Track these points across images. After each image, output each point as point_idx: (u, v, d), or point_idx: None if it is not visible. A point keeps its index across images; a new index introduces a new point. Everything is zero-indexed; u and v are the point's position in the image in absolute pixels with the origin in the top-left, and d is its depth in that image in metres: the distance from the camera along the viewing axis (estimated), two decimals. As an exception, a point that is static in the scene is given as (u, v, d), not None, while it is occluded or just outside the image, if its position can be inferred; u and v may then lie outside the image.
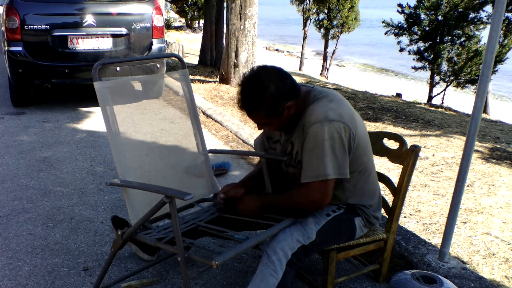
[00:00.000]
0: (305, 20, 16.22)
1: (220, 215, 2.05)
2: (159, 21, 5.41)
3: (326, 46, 16.83)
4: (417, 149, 1.99)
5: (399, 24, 12.24)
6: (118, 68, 5.09)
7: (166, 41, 6.89)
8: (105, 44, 5.13)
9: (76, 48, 5.03)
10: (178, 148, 2.31)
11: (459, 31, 11.37)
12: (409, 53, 12.28)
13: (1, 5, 6.52)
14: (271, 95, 1.71)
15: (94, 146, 4.13)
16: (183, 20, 24.79)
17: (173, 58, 9.09)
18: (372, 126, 4.75)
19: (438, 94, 11.76)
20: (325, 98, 1.78)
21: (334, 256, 1.91)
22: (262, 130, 2.10)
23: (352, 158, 1.79)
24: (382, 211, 2.20)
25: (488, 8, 10.85)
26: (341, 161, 1.71)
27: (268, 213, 1.90)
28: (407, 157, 2.00)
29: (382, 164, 3.59)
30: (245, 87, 1.75)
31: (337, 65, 21.10)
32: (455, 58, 11.33)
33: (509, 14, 10.19)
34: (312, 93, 1.82)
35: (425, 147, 4.07)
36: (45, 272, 2.22)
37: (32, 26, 4.86)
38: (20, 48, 4.87)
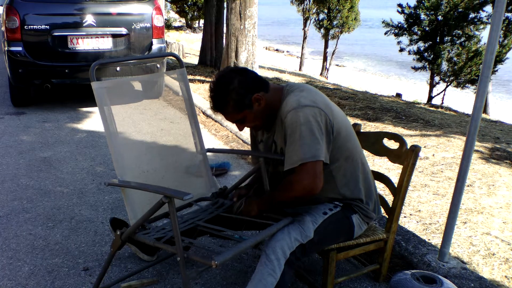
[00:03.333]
0: (305, 20, 16.21)
1: (219, 214, 2.05)
2: (159, 21, 5.41)
3: (326, 46, 16.82)
4: (417, 149, 1.99)
5: (399, 24, 12.23)
6: (118, 68, 5.09)
7: (166, 41, 6.89)
8: (105, 44, 5.13)
9: (76, 48, 5.03)
10: (177, 148, 2.31)
11: (459, 31, 11.36)
12: (409, 53, 12.27)
13: (1, 5, 6.52)
14: (234, 88, 1.78)
15: (94, 146, 4.13)
16: (183, 20, 24.80)
17: (172, 58, 9.11)
18: (372, 126, 4.75)
19: (438, 94, 11.76)
20: (297, 89, 1.83)
21: (334, 256, 1.91)
22: (251, 136, 2.14)
23: (336, 145, 1.80)
24: (382, 211, 2.20)
25: (488, 8, 10.85)
26: (322, 144, 1.72)
27: (269, 212, 1.90)
28: (407, 157, 2.00)
29: (382, 164, 3.59)
30: (212, 90, 1.83)
31: (337, 65, 21.10)
32: (455, 58, 11.32)
33: (509, 14, 10.18)
34: (285, 89, 1.87)
35: (425, 147, 4.07)
36: (45, 272, 2.22)
37: (32, 26, 4.86)
38: (20, 48, 4.87)
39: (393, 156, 2.08)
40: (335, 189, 1.88)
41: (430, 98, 11.79)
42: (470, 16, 11.13)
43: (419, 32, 11.97)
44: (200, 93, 6.10)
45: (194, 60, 10.40)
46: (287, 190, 1.78)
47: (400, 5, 12.01)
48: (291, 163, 1.73)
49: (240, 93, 1.78)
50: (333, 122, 1.77)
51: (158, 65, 5.42)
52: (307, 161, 1.69)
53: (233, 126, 4.62)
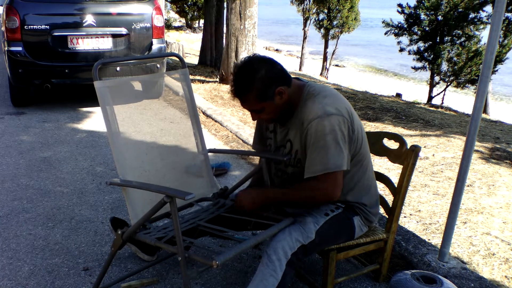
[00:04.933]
0: (305, 20, 16.20)
1: (220, 214, 2.05)
2: (159, 21, 5.41)
3: (326, 46, 16.81)
4: (417, 149, 1.99)
5: (399, 24, 12.22)
6: (118, 68, 5.09)
7: (166, 41, 6.89)
8: (105, 44, 5.13)
9: (76, 48, 5.03)
10: (178, 148, 2.31)
11: (459, 31, 11.35)
12: (409, 53, 12.26)
13: (1, 5, 6.52)
14: (261, 78, 1.74)
15: (94, 146, 4.13)
16: (183, 20, 24.78)
17: (173, 57, 9.11)
18: (372, 126, 4.75)
19: (438, 94, 11.76)
20: (319, 94, 1.80)
21: (334, 256, 1.91)
22: (256, 129, 2.12)
23: (353, 151, 1.82)
24: (382, 211, 2.20)
25: (488, 8, 10.84)
26: (344, 153, 1.74)
27: (270, 208, 1.90)
28: (407, 157, 2.00)
29: (382, 164, 3.59)
30: (236, 74, 1.78)
31: (337, 65, 21.08)
32: (455, 58, 11.31)
33: (509, 14, 10.18)
34: (306, 88, 1.84)
35: (425, 147, 4.07)
36: (45, 272, 2.22)
37: (32, 26, 4.86)
38: (20, 48, 4.87)
39: (393, 156, 2.09)
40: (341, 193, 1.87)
41: (430, 98, 11.78)
42: (470, 16, 11.12)
43: (419, 32, 11.96)
44: (200, 93, 6.10)
45: (194, 60, 10.40)
46: (305, 194, 1.79)
47: (400, 5, 12.01)
48: (313, 172, 1.73)
49: (266, 83, 1.74)
50: (354, 129, 1.80)
51: (158, 65, 5.42)
52: (332, 171, 1.70)
53: (233, 127, 4.62)
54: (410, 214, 2.81)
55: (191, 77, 7.22)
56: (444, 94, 11.68)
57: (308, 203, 1.83)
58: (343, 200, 1.90)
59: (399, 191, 2.02)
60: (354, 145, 1.82)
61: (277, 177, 2.01)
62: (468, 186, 3.22)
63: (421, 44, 12.04)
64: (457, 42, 11.46)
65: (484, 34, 11.16)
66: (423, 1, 11.55)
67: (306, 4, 16.02)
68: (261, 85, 1.74)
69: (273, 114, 1.83)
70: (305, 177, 1.76)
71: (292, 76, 1.88)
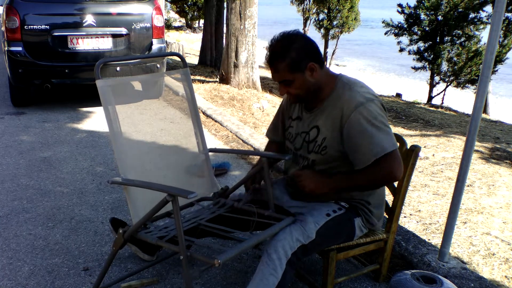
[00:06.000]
0: (305, 20, 16.20)
1: (221, 214, 2.05)
2: (159, 21, 5.41)
3: (326, 46, 16.81)
4: (417, 149, 1.99)
5: (399, 24, 12.23)
6: (118, 68, 5.09)
7: (166, 41, 6.89)
8: (105, 44, 5.13)
9: (76, 48, 5.03)
10: (179, 148, 2.31)
11: (459, 31, 11.35)
12: (409, 53, 12.27)
13: (1, 5, 6.52)
14: (296, 49, 1.78)
15: (94, 146, 4.13)
16: (183, 20, 24.77)
17: (173, 57, 9.11)
18: (372, 126, 4.73)
19: (438, 94, 11.76)
20: (356, 84, 1.86)
21: (334, 256, 1.91)
22: (276, 117, 2.15)
23: None
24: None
25: (488, 8, 10.84)
26: (391, 133, 1.80)
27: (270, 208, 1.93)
28: (407, 157, 2.00)
29: (382, 164, 3.58)
30: (273, 42, 1.83)
31: (337, 65, 21.08)
32: (455, 58, 11.31)
33: (509, 14, 10.18)
34: (339, 79, 1.88)
35: (425, 147, 4.07)
36: (45, 272, 2.22)
37: (32, 26, 4.86)
38: (20, 48, 4.87)
39: (393, 156, 2.08)
40: None
41: (430, 98, 11.79)
42: (470, 16, 11.12)
43: (419, 32, 11.97)
44: (200, 93, 6.10)
45: (194, 60, 10.40)
46: (372, 177, 1.78)
47: (400, 5, 12.01)
48: (374, 155, 1.74)
49: (300, 55, 1.78)
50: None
51: (158, 65, 5.42)
52: (391, 149, 1.75)
53: (233, 127, 4.62)
54: (410, 214, 2.81)
55: (191, 77, 7.22)
56: (444, 94, 11.68)
57: (373, 186, 1.85)
58: (349, 197, 1.91)
59: (399, 191, 2.02)
60: None
61: (296, 164, 1.99)
62: (468, 186, 3.22)
63: (421, 44, 12.05)
64: (457, 42, 11.46)
65: (484, 34, 11.16)
66: (423, 1, 11.56)
67: (306, 4, 16.01)
68: (295, 55, 1.78)
69: (301, 90, 1.84)
70: (364, 164, 1.76)
71: None
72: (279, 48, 1.80)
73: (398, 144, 1.81)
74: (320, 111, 1.88)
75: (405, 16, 12.06)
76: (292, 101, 1.97)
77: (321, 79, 1.84)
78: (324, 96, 1.86)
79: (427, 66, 11.95)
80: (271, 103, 5.87)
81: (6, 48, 4.90)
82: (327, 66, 15.54)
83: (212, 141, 4.31)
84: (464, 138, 2.27)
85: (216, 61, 8.95)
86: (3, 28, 5.01)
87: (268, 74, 8.74)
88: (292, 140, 2.01)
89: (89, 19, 5.01)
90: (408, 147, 2.02)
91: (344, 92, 1.82)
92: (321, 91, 1.86)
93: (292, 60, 1.78)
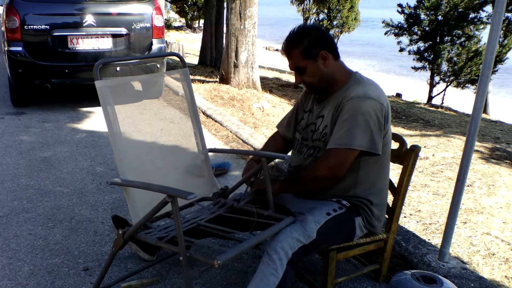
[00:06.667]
0: (305, 20, 16.19)
1: (221, 214, 2.05)
2: (159, 21, 5.41)
3: (326, 46, 16.81)
4: (417, 149, 1.99)
5: (399, 24, 12.22)
6: (118, 68, 5.09)
7: (166, 41, 6.89)
8: (105, 44, 5.13)
9: (76, 48, 5.03)
10: (178, 148, 2.31)
11: (459, 31, 11.35)
12: (409, 53, 12.27)
13: (1, 5, 6.52)
14: (310, 37, 1.87)
15: (94, 146, 4.13)
16: (183, 20, 24.78)
17: (173, 57, 9.11)
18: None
19: (438, 94, 11.76)
20: (366, 82, 1.90)
21: (334, 256, 1.91)
22: (291, 110, 2.19)
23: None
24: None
25: (488, 8, 10.84)
26: (374, 136, 1.79)
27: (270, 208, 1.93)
28: (407, 157, 2.00)
29: (382, 164, 3.58)
30: (291, 33, 1.91)
31: (337, 65, 21.07)
32: (455, 58, 11.31)
33: (509, 14, 10.18)
34: (354, 76, 1.93)
35: (425, 147, 4.07)
36: (45, 272, 2.22)
37: (32, 26, 4.86)
38: (20, 48, 4.87)
39: (393, 156, 2.08)
40: (352, 186, 1.91)
41: (430, 98, 11.78)
42: (470, 16, 11.12)
43: (419, 32, 11.96)
44: (200, 93, 6.10)
45: (194, 60, 10.40)
46: (311, 167, 1.86)
47: (400, 5, 12.01)
48: (332, 144, 1.80)
49: (312, 43, 1.86)
50: (388, 120, 1.88)
51: (158, 65, 5.42)
52: (346, 147, 1.77)
53: (233, 127, 4.62)
54: (410, 214, 2.81)
55: (191, 77, 7.22)
56: (444, 94, 11.68)
57: (313, 180, 1.86)
58: (352, 195, 1.91)
59: (399, 191, 2.02)
60: (384, 139, 1.88)
61: (300, 153, 2.03)
62: (468, 186, 3.22)
63: (421, 44, 12.04)
64: (457, 42, 11.46)
65: (484, 34, 11.16)
66: (423, 1, 11.55)
67: (306, 4, 16.02)
68: (308, 43, 1.86)
69: (314, 78, 1.90)
70: (327, 147, 1.83)
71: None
72: (294, 37, 1.89)
73: (363, 146, 1.78)
74: (328, 102, 1.94)
75: (405, 16, 12.06)
76: (309, 90, 2.04)
77: (335, 71, 1.91)
78: (336, 89, 1.92)
79: (427, 66, 11.95)
80: (271, 103, 5.87)
81: (6, 48, 4.91)
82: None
83: (212, 141, 4.31)
84: (464, 138, 2.27)
85: (216, 61, 8.95)
86: (3, 28, 5.01)
87: (268, 74, 8.74)
88: (301, 131, 2.08)
89: (89, 19, 5.01)
90: (408, 147, 2.02)
91: (352, 87, 1.87)
92: (335, 84, 1.92)
93: (305, 47, 1.86)
